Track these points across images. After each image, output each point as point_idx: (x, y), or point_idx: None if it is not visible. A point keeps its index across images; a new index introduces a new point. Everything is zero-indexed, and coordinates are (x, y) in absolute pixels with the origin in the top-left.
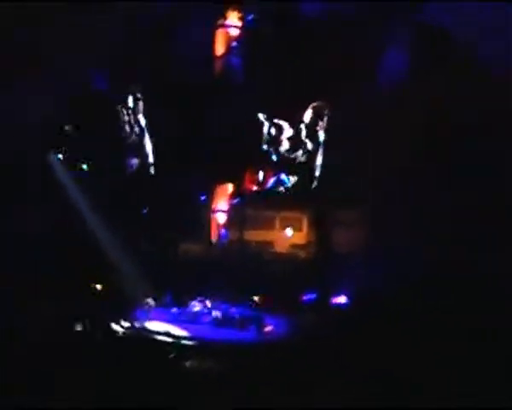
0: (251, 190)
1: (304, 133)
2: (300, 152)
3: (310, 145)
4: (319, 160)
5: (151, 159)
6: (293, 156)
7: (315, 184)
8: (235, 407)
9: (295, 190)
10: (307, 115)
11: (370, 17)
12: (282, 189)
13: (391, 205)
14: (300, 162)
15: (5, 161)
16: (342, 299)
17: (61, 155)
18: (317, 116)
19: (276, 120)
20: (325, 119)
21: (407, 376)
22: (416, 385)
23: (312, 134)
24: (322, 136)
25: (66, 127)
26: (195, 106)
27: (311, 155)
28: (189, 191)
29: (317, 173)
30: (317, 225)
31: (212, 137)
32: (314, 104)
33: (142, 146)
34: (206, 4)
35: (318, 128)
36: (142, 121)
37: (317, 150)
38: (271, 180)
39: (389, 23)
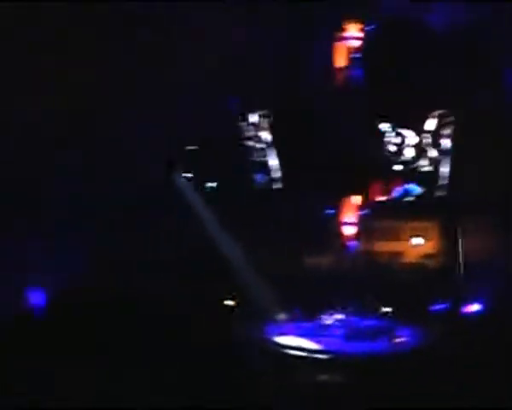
0: (379, 201)
1: (428, 141)
2: (426, 161)
3: (435, 153)
4: (445, 168)
5: (277, 174)
6: (417, 165)
7: (442, 192)
8: None
9: (423, 199)
10: (431, 123)
11: (493, 25)
12: (410, 198)
13: None
14: (426, 171)
15: (132, 185)
16: (474, 308)
17: (189, 174)
18: (440, 124)
19: (400, 130)
20: (450, 127)
21: None
22: None
23: (437, 142)
24: (447, 144)
25: (194, 146)
26: (319, 120)
27: (437, 164)
28: (317, 205)
29: (444, 181)
30: (447, 234)
31: (337, 150)
32: (438, 112)
33: (268, 162)
34: (326, 17)
35: (443, 136)
36: (268, 137)
37: (443, 158)
38: (399, 190)
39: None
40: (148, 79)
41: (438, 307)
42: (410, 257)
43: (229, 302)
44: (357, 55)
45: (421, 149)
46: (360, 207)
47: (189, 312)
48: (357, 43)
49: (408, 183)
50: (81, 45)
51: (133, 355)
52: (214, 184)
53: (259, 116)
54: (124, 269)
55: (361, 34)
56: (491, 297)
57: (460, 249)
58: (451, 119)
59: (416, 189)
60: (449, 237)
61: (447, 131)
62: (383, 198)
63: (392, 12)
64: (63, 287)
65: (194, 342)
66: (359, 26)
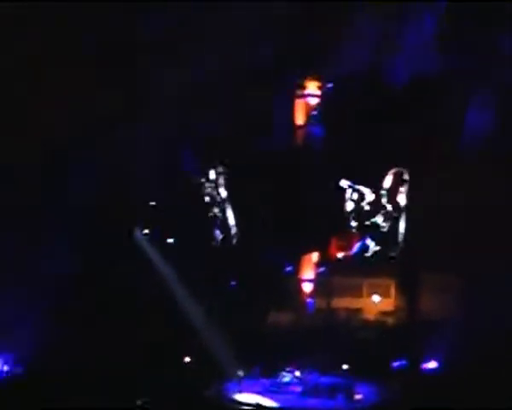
0: (337, 257)
1: (386, 198)
2: (383, 218)
3: (392, 210)
4: (402, 225)
5: (234, 230)
6: (374, 221)
7: (399, 249)
8: None
9: (381, 256)
10: (388, 180)
11: (453, 83)
12: (367, 254)
13: (480, 271)
14: (384, 228)
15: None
16: (432, 365)
17: (147, 230)
18: (398, 181)
19: (358, 187)
20: (406, 184)
21: None
22: None
23: (395, 199)
24: (403, 201)
25: (152, 203)
26: (277, 176)
27: (394, 221)
28: (275, 262)
29: (401, 239)
30: (405, 291)
31: (295, 207)
32: (394, 170)
33: (226, 218)
34: (285, 75)
35: (400, 193)
36: (224, 194)
37: (400, 215)
38: (356, 246)
39: (471, 87)
40: (107, 136)
41: (396, 363)
42: (369, 314)
43: (188, 359)
44: (316, 113)
45: (379, 206)
46: (319, 264)
47: (147, 368)
48: (317, 101)
49: (366, 239)
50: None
51: None
52: (173, 240)
53: (218, 172)
54: (83, 325)
55: (320, 92)
56: (449, 354)
57: (417, 306)
58: (409, 175)
59: (374, 245)
60: (406, 294)
61: (404, 188)
62: (341, 255)
63: (351, 70)
64: None
65: (152, 398)
66: (318, 83)
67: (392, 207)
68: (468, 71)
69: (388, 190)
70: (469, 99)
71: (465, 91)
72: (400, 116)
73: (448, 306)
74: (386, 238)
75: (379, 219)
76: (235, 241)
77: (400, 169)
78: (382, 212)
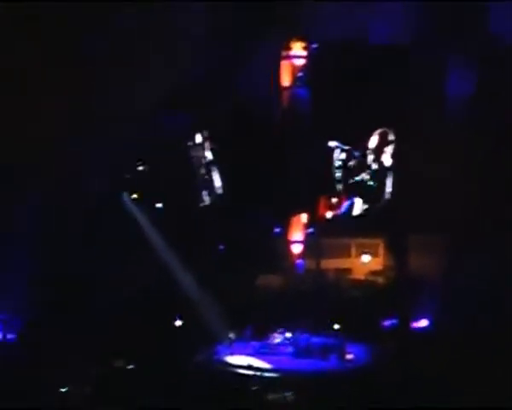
0: (326, 217)
1: (374, 158)
2: (371, 177)
3: (381, 170)
4: (391, 184)
5: (224, 192)
6: (364, 181)
7: (389, 208)
8: None
9: (370, 215)
10: (375, 140)
11: (436, 43)
12: (356, 213)
13: (470, 230)
14: (373, 187)
15: (81, 203)
16: (422, 324)
17: (135, 195)
18: (385, 141)
19: (345, 147)
20: (391, 144)
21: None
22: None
23: (383, 159)
24: (388, 160)
25: (140, 167)
26: (264, 138)
27: (383, 180)
28: (264, 224)
29: (391, 198)
30: (394, 250)
31: (282, 168)
32: (380, 130)
33: (212, 181)
34: (270, 36)
35: (388, 153)
36: (214, 155)
37: (389, 175)
38: (344, 205)
39: (455, 46)
40: (96, 98)
41: (387, 323)
42: (358, 274)
43: (178, 322)
44: (302, 74)
45: (365, 166)
46: (307, 225)
47: (136, 332)
48: (302, 62)
49: (353, 198)
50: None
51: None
52: (161, 204)
53: (204, 135)
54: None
55: (306, 53)
56: (440, 313)
57: (407, 266)
58: (397, 136)
59: (361, 204)
60: (396, 254)
61: (390, 148)
62: (330, 215)
63: (339, 31)
64: None
65: (143, 362)
66: (305, 44)
67: (379, 166)
68: (451, 33)
69: (374, 150)
70: (453, 61)
71: (448, 54)
72: (386, 77)
73: (437, 265)
74: (375, 198)
75: (365, 178)
76: (222, 203)
77: (385, 129)
78: (368, 171)
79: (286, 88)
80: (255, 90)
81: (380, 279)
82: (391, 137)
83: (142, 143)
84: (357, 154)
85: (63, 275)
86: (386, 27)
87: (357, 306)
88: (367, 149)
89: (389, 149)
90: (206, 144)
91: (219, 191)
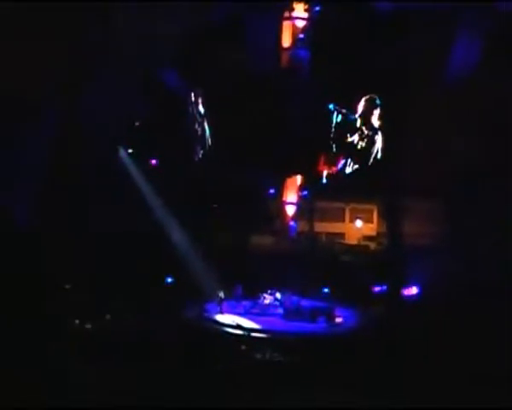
0: (320, 179)
1: (371, 121)
2: (367, 140)
3: (377, 133)
4: (387, 148)
5: (220, 150)
6: (359, 144)
7: (383, 173)
8: (303, 398)
9: (364, 179)
10: (374, 104)
11: (439, 10)
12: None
13: (465, 197)
14: (368, 150)
15: (77, 159)
16: (413, 290)
17: (131, 150)
18: (372, 106)
19: (342, 110)
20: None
21: (477, 371)
22: (484, 378)
23: (380, 122)
24: (377, 123)
25: (136, 123)
26: (261, 98)
27: (378, 144)
28: (258, 184)
29: (385, 163)
30: (388, 216)
31: (280, 128)
32: (367, 96)
33: (206, 137)
34: None
35: (373, 116)
36: (210, 115)
37: (385, 139)
38: (341, 163)
39: (459, 15)
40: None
41: (377, 288)
42: (351, 238)
43: (169, 280)
44: (303, 36)
45: (362, 129)
46: (301, 187)
47: (128, 287)
48: (303, 24)
49: (347, 159)
50: None
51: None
52: (156, 160)
53: (201, 94)
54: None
55: (308, 15)
56: (430, 281)
57: (401, 232)
58: (396, 100)
59: (353, 165)
60: (388, 220)
61: (378, 112)
62: (325, 176)
63: None
64: None
65: (132, 317)
66: (307, 6)
67: (371, 129)
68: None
69: (364, 113)
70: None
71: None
72: (384, 41)
73: (430, 232)
74: (363, 157)
75: (363, 142)
76: (216, 160)
77: (372, 96)
78: (360, 132)
79: (286, 49)
80: (255, 50)
81: (372, 245)
82: (378, 101)
83: (139, 99)
84: (352, 117)
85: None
86: None
87: (348, 270)
88: (367, 112)
89: (377, 113)
90: (201, 101)
91: (213, 147)
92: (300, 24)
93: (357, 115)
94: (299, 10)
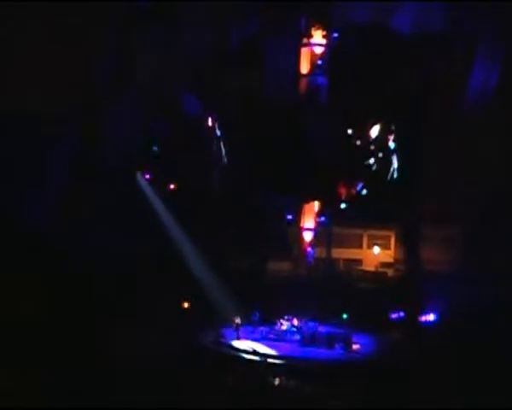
0: (339, 206)
1: (391, 147)
2: (387, 166)
3: (397, 160)
4: (407, 175)
5: (239, 177)
6: (379, 170)
7: (402, 200)
8: None
9: (382, 206)
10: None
11: (457, 36)
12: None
13: (482, 223)
14: (388, 177)
15: (95, 180)
16: (430, 317)
17: (148, 175)
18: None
19: (362, 134)
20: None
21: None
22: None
23: (400, 148)
24: (410, 150)
25: (154, 147)
26: (280, 124)
27: (399, 170)
28: (277, 210)
29: (405, 190)
30: (405, 243)
31: (297, 155)
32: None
33: (230, 165)
34: (291, 23)
35: (389, 141)
36: (230, 140)
37: (405, 165)
38: (359, 186)
39: (476, 42)
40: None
41: (395, 315)
42: (369, 265)
43: (186, 305)
44: (321, 62)
45: (383, 155)
46: (319, 213)
47: (145, 313)
48: (322, 50)
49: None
50: None
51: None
52: (174, 186)
53: (221, 120)
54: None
55: (325, 41)
56: (448, 307)
57: (418, 259)
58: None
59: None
60: (407, 246)
61: (392, 136)
62: (347, 194)
63: (357, 19)
64: None
65: (150, 343)
66: (323, 32)
67: (387, 152)
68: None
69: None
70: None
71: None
72: (401, 67)
73: (447, 258)
74: (390, 189)
75: (384, 168)
76: (232, 183)
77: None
78: (387, 161)
79: (304, 75)
80: (274, 76)
81: (390, 271)
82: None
83: (158, 123)
84: (369, 141)
85: None
86: (405, 19)
87: (365, 297)
88: (386, 137)
89: (392, 137)
90: (217, 126)
91: (231, 173)
92: (319, 50)
93: (372, 139)
94: (318, 37)
